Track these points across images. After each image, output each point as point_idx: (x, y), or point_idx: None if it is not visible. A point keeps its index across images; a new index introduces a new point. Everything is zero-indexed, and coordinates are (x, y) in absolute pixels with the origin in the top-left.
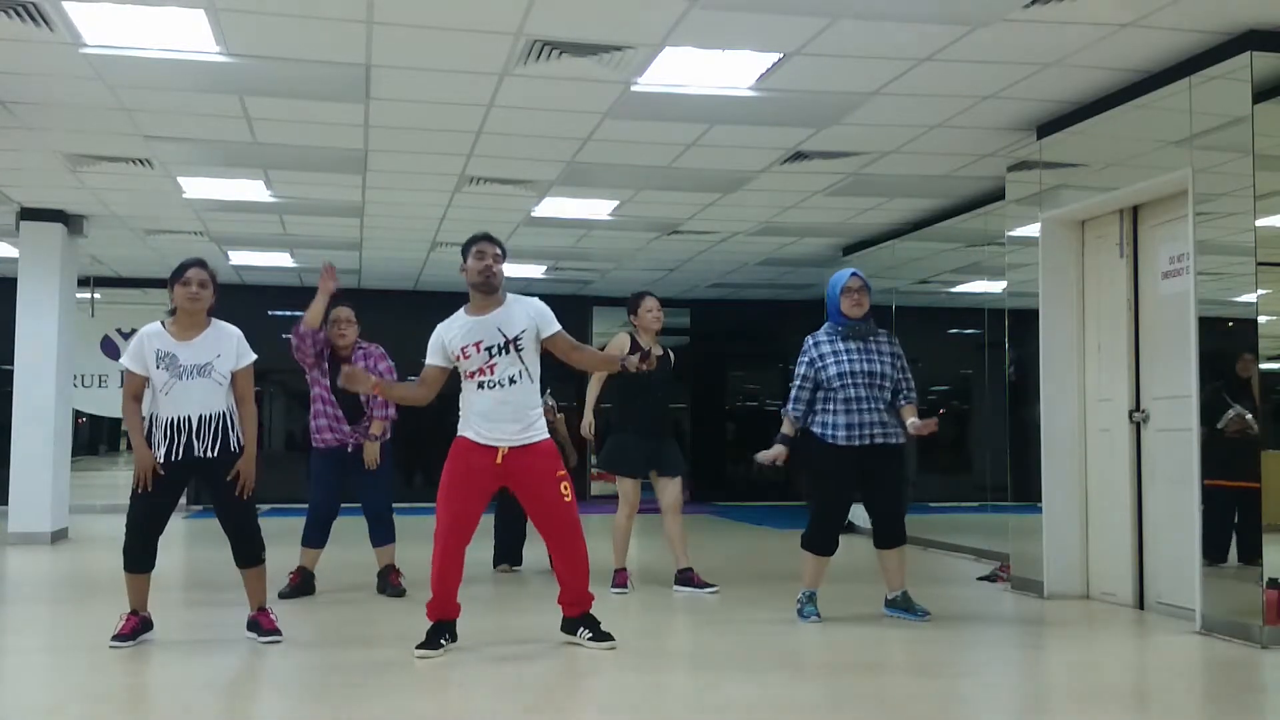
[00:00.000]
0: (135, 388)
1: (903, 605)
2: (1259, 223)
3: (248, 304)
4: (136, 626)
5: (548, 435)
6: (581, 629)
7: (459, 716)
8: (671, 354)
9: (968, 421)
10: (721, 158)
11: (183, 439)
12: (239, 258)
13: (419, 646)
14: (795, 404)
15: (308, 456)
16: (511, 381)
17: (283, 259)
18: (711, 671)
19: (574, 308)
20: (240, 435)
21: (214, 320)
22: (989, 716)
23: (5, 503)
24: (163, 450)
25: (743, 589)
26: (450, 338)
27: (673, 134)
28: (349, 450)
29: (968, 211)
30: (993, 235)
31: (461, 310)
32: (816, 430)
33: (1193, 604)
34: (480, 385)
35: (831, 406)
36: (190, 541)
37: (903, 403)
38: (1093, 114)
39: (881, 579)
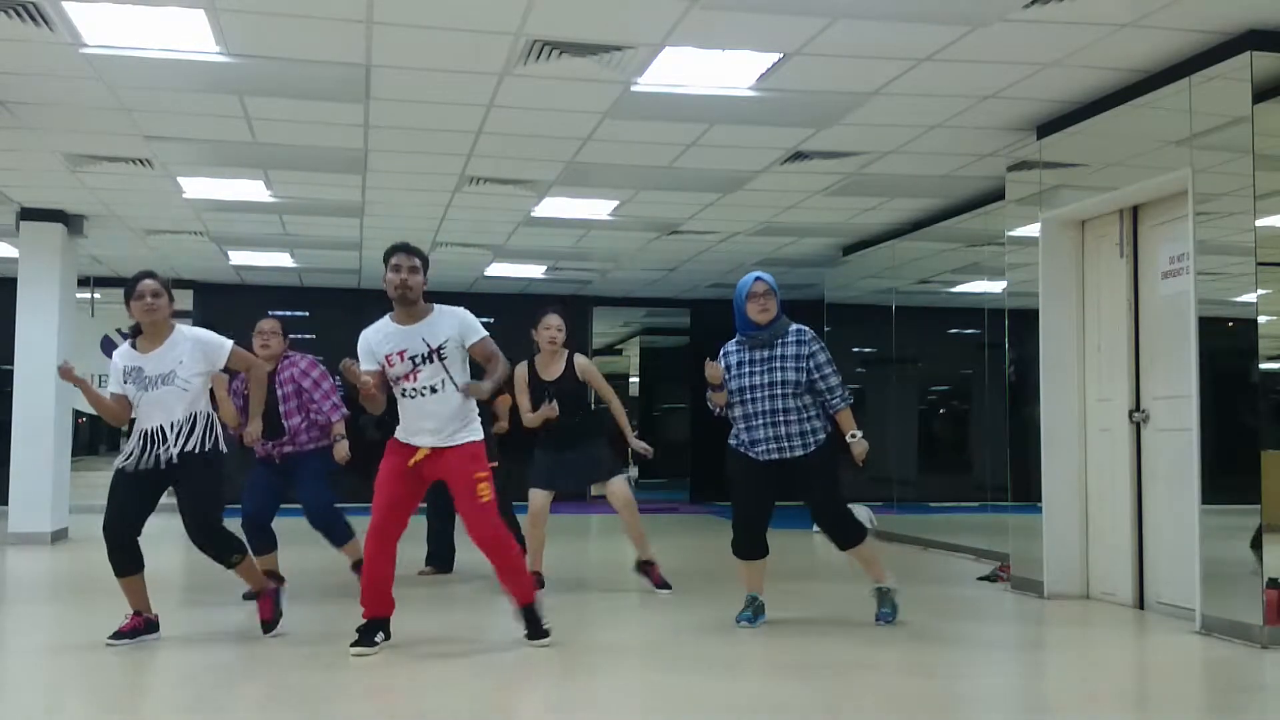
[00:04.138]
0: (116, 395)
1: (878, 599)
2: (1259, 223)
3: (248, 304)
4: (138, 626)
5: (474, 438)
6: (524, 619)
7: (462, 714)
8: (581, 362)
9: (968, 421)
10: (721, 158)
11: (156, 448)
12: (239, 258)
13: (353, 645)
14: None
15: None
16: (433, 390)
17: (283, 259)
18: (711, 671)
19: (574, 308)
20: (206, 439)
21: (177, 327)
22: (989, 717)
23: (5, 503)
24: (135, 458)
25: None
26: (377, 343)
27: (673, 134)
28: (278, 462)
29: (968, 211)
30: (993, 235)
31: (387, 317)
32: (731, 441)
33: (1193, 604)
34: (404, 393)
35: (735, 424)
36: (190, 541)
37: (835, 408)
38: (1093, 114)
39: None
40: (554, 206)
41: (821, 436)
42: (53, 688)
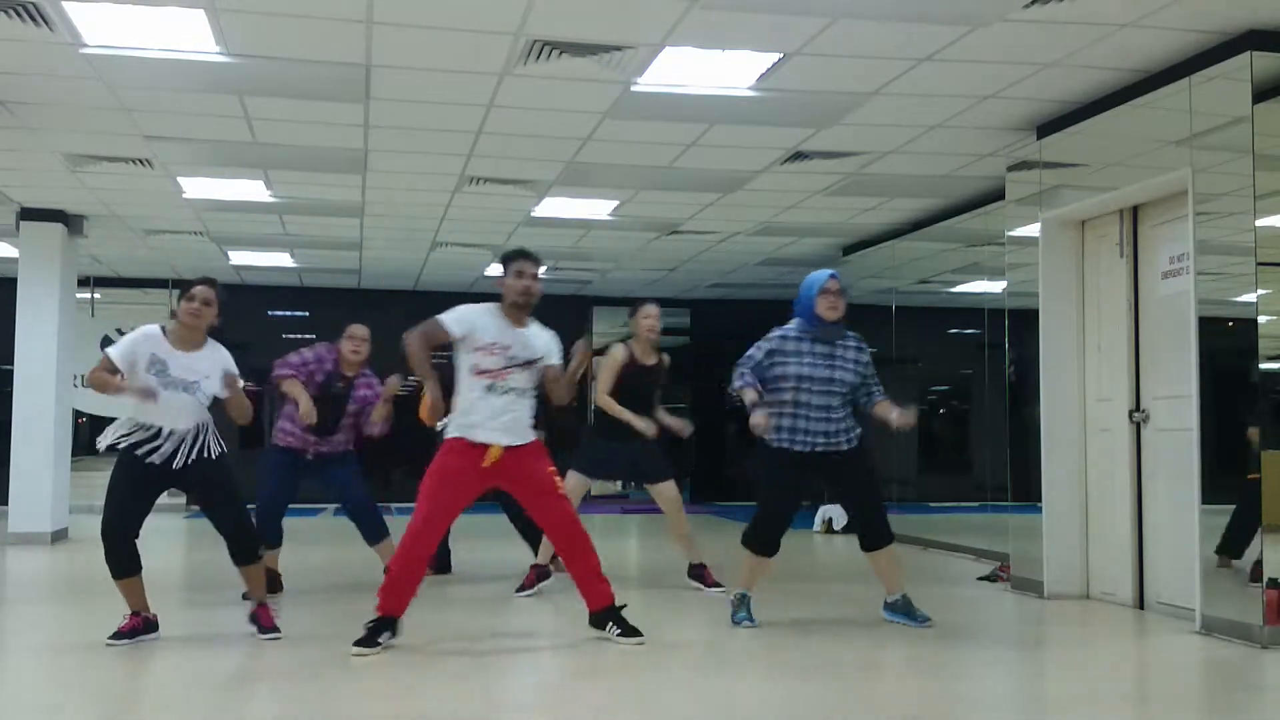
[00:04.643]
0: (108, 366)
1: (903, 610)
2: (1259, 223)
3: (248, 304)
4: (137, 626)
5: (535, 436)
6: (610, 624)
7: (463, 716)
8: (666, 359)
9: (968, 421)
10: (721, 158)
11: (160, 445)
12: (239, 258)
13: (356, 643)
14: (742, 377)
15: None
16: (520, 394)
17: (283, 259)
18: (710, 671)
19: (574, 308)
20: (214, 444)
21: (210, 340)
22: (989, 717)
23: (5, 503)
24: (139, 450)
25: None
26: (484, 326)
27: (673, 134)
28: (309, 457)
29: (968, 211)
30: (993, 235)
31: (495, 307)
32: (771, 435)
33: (1193, 604)
34: (490, 388)
35: (778, 409)
36: (190, 541)
37: (877, 399)
38: (1093, 114)
39: (879, 582)
40: (554, 206)
41: (860, 430)
42: (52, 688)
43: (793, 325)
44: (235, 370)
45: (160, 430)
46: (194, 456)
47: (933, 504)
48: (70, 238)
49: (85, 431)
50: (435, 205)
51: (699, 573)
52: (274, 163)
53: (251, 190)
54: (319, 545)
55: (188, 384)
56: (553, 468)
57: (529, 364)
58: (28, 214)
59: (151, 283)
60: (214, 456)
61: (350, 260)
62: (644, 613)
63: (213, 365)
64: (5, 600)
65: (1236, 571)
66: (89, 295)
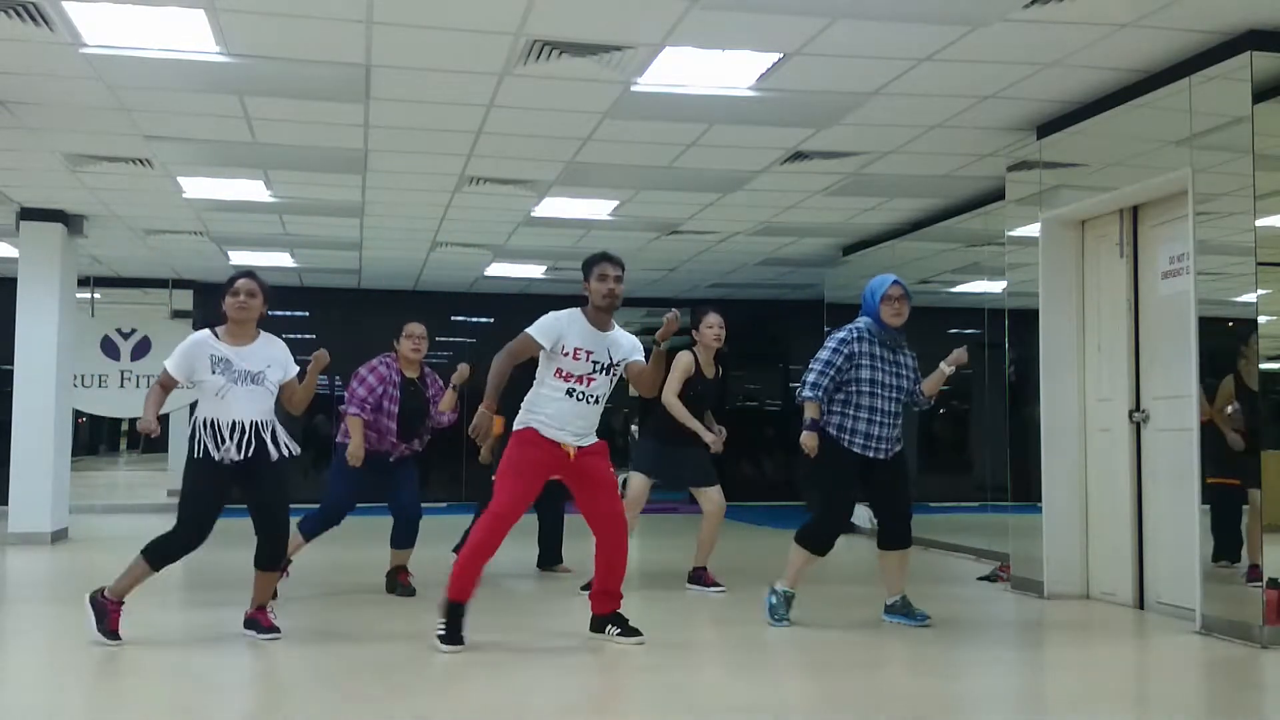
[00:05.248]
0: (167, 381)
1: (902, 611)
2: (1259, 223)
3: None
4: (119, 615)
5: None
6: (610, 626)
7: (476, 713)
8: (720, 369)
9: (968, 421)
10: (721, 158)
11: (237, 441)
12: (239, 258)
13: (445, 641)
14: (817, 389)
15: (330, 454)
16: (597, 400)
17: (283, 259)
18: (712, 671)
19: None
20: (286, 442)
21: (264, 333)
22: (988, 717)
23: (5, 503)
24: (215, 450)
25: (743, 589)
26: (569, 333)
27: (673, 134)
28: (390, 460)
29: (968, 211)
30: (993, 235)
31: (580, 312)
32: (832, 432)
33: (1193, 604)
34: (570, 392)
35: (852, 412)
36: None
37: (920, 390)
38: (1093, 114)
39: (880, 582)
40: (554, 206)
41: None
42: (52, 688)
43: (862, 324)
44: (293, 361)
45: (232, 423)
46: (260, 448)
47: (933, 504)
48: (70, 238)
49: (85, 431)
50: (435, 205)
51: (699, 575)
52: (274, 163)
53: (251, 190)
54: (320, 545)
55: (254, 375)
56: (612, 469)
57: (611, 368)
58: (28, 214)
59: (151, 283)
60: (286, 455)
61: (350, 260)
62: (643, 614)
63: (270, 354)
64: (5, 600)
65: (1236, 572)
66: (89, 295)
